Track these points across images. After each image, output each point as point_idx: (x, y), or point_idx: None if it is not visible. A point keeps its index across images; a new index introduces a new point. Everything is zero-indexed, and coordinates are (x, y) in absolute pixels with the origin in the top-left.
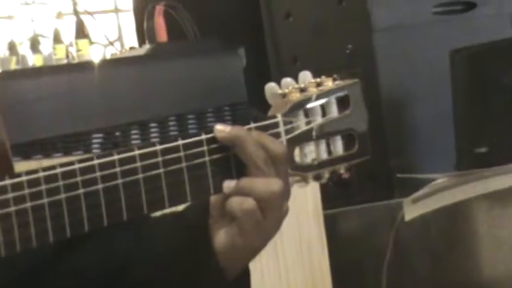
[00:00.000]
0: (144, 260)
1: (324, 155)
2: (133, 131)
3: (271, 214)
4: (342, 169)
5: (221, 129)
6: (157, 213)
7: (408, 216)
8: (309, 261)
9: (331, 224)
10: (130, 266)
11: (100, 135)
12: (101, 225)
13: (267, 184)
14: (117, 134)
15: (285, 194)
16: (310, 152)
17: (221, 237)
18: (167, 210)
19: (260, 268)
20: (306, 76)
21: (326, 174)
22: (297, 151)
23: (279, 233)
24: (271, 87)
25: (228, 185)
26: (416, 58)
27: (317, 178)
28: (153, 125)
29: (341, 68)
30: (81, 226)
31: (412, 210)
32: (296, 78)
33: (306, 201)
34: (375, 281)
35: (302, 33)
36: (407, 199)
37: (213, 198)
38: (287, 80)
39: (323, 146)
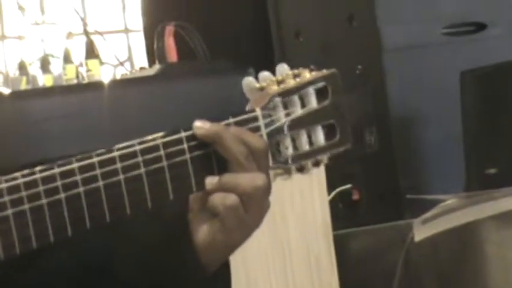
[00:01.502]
0: (124, 256)
1: (306, 146)
2: None
3: (253, 210)
4: (325, 159)
5: (200, 126)
6: None
7: (418, 237)
8: (319, 282)
9: (340, 244)
10: (109, 262)
11: None
12: (84, 229)
13: (251, 179)
14: None
15: (268, 188)
16: (291, 144)
17: (202, 233)
18: None
19: (270, 287)
20: (283, 68)
21: (309, 165)
22: (278, 144)
23: (289, 252)
24: (248, 81)
25: (211, 181)
26: (426, 79)
27: (300, 170)
28: None
29: (351, 87)
30: (64, 230)
31: (421, 231)
32: None
33: (315, 221)
34: None
35: (312, 53)
36: (417, 220)
37: (193, 194)
38: (264, 74)
39: (304, 137)
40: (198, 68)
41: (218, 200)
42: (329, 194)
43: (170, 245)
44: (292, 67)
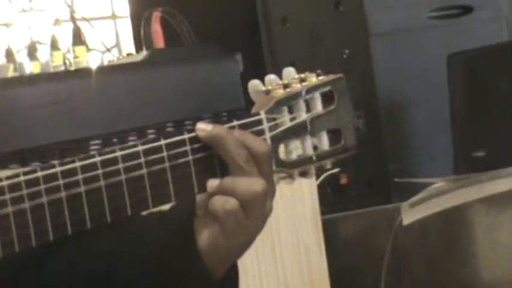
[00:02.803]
0: (130, 260)
1: (310, 151)
2: (131, 138)
3: (254, 214)
4: (328, 165)
5: (202, 128)
6: (144, 213)
7: (406, 221)
8: (308, 266)
9: (329, 228)
10: (115, 266)
11: (98, 141)
12: (84, 228)
13: (250, 184)
14: (115, 140)
15: (269, 193)
16: (295, 149)
17: (204, 237)
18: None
19: (259, 273)
20: (289, 72)
21: (312, 170)
22: (282, 148)
23: (277, 237)
24: (254, 84)
25: (212, 184)
26: (413, 62)
27: (303, 174)
28: (150, 131)
29: (338, 72)
30: (64, 229)
31: (410, 214)
32: None
33: (304, 206)
34: (373, 285)
35: (299, 38)
36: (405, 203)
37: (199, 197)
38: (271, 77)
39: (308, 142)
40: (185, 53)
41: (218, 203)
42: (317, 178)
43: (175, 249)
44: (279, 52)
